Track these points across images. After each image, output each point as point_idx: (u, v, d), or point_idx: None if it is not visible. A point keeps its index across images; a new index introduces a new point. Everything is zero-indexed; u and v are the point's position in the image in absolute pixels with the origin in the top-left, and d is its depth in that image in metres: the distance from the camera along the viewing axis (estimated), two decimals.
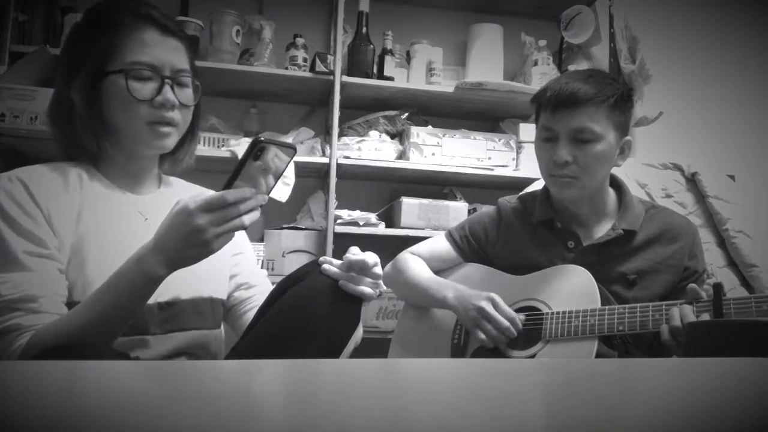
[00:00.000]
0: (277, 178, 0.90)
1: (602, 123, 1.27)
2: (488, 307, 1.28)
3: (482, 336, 1.29)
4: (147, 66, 1.00)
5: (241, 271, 1.20)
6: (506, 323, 1.27)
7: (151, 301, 1.00)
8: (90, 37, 1.02)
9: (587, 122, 1.26)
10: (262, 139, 0.84)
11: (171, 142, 1.06)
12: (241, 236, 1.24)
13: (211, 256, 1.10)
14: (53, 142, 1.07)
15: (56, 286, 0.93)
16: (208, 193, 0.85)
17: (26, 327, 0.88)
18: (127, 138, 1.04)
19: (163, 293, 1.02)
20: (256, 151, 0.84)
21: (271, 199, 2.48)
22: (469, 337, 1.38)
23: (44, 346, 0.86)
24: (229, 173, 0.85)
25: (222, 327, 1.16)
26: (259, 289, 1.19)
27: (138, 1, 1.05)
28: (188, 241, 0.84)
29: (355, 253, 1.01)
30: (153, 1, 1.08)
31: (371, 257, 1.01)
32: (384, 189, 2.55)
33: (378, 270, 1.01)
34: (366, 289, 1.00)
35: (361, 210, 2.31)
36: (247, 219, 0.86)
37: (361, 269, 1.00)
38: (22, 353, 0.87)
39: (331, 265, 1.02)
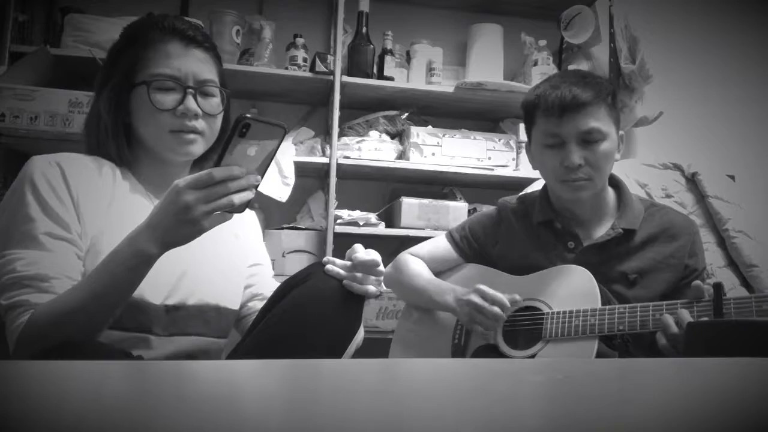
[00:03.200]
0: (269, 159, 0.89)
1: (605, 121, 1.29)
2: (476, 299, 1.29)
3: (479, 328, 1.29)
4: (169, 77, 1.03)
5: (257, 282, 1.20)
6: (495, 309, 1.27)
7: (158, 302, 1.01)
8: (120, 53, 1.07)
9: (594, 123, 1.27)
10: (247, 115, 0.83)
11: (197, 149, 1.07)
12: (260, 247, 1.26)
13: (225, 265, 1.11)
14: (86, 147, 1.09)
15: (71, 271, 0.94)
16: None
17: (33, 305, 0.89)
18: (153, 146, 1.06)
19: (171, 296, 1.02)
20: (241, 127, 0.83)
21: (270, 199, 2.49)
22: (470, 337, 1.39)
23: (41, 324, 0.87)
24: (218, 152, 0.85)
25: (227, 338, 1.15)
26: None
27: (165, 15, 1.09)
28: (178, 219, 0.84)
29: (359, 251, 1.02)
30: (153, 1, 1.09)
31: (375, 256, 1.01)
32: (384, 189, 2.56)
33: (381, 268, 1.02)
34: (370, 288, 1.01)
35: (361, 210, 2.31)
36: (236, 198, 0.85)
37: (367, 269, 1.00)
38: (23, 330, 0.88)
39: (334, 265, 1.02)
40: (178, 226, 0.85)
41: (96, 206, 1.00)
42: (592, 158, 1.28)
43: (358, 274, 1.01)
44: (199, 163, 1.15)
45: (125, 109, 1.05)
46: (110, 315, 0.91)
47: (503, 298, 1.29)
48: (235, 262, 1.16)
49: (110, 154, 1.07)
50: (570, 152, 1.27)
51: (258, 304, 1.17)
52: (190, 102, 1.03)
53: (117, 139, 1.06)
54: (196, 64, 1.06)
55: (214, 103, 1.08)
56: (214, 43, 1.13)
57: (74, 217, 0.97)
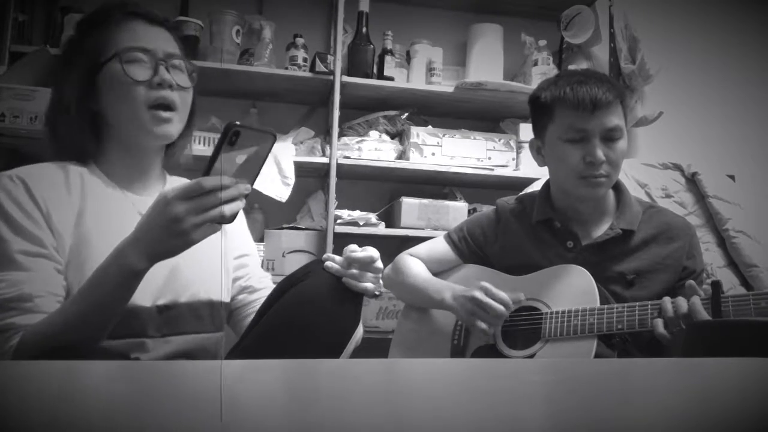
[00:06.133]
0: (259, 167, 0.87)
1: (622, 119, 1.32)
2: (480, 295, 1.29)
3: (482, 325, 1.28)
4: (140, 49, 1.02)
5: (245, 273, 1.19)
6: (500, 307, 1.27)
7: (149, 303, 0.99)
8: (82, 39, 1.05)
9: (617, 120, 1.29)
10: (237, 123, 0.81)
11: (173, 129, 1.05)
12: (245, 237, 1.24)
13: (212, 258, 1.10)
14: (49, 145, 1.06)
15: (53, 286, 0.93)
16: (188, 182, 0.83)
17: (21, 327, 0.88)
18: (127, 129, 1.04)
19: (162, 296, 1.01)
20: (230, 135, 0.81)
21: (271, 199, 2.48)
22: (469, 338, 1.39)
23: (33, 346, 0.86)
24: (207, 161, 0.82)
25: (223, 331, 1.14)
26: (263, 293, 1.17)
27: (125, 1, 1.08)
28: (167, 231, 0.82)
29: (354, 250, 1.02)
30: (155, 1, 1.09)
31: (372, 252, 1.01)
32: (384, 189, 2.55)
33: (379, 265, 1.02)
34: (369, 285, 1.01)
35: (361, 210, 2.31)
36: (227, 209, 0.82)
37: (364, 265, 1.00)
38: (14, 353, 0.87)
39: (333, 262, 1.02)
40: (167, 238, 0.82)
41: (68, 216, 0.97)
42: (612, 156, 1.29)
43: (355, 271, 1.00)
44: (170, 149, 1.13)
45: (93, 94, 1.02)
46: (104, 331, 0.89)
47: (506, 296, 1.29)
48: (222, 254, 1.14)
49: (77, 149, 1.04)
50: (594, 147, 1.28)
51: (248, 297, 1.17)
52: (164, 72, 1.02)
53: (90, 128, 1.03)
54: (163, 41, 1.06)
55: (184, 78, 1.07)
56: (174, 23, 1.13)
57: (47, 232, 0.94)
